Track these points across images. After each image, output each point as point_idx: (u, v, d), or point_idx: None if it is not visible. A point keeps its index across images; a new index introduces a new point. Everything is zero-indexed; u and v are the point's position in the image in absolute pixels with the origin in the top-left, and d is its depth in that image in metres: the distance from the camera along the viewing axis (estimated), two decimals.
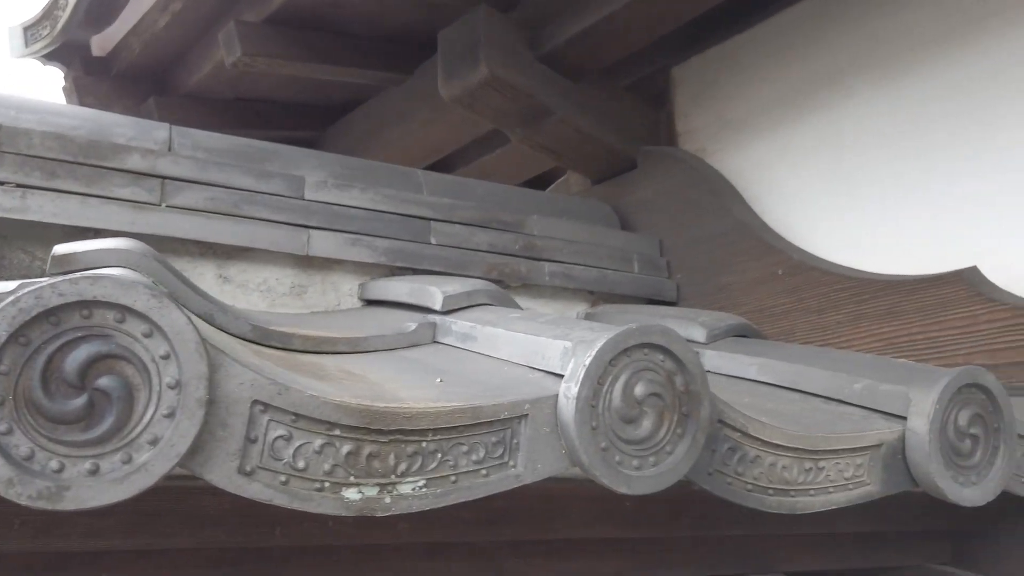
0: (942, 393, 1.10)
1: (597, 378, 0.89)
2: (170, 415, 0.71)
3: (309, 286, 1.80)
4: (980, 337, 1.61)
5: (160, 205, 1.64)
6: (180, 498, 0.93)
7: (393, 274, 1.86)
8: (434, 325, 1.39)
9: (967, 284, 1.65)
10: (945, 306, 1.67)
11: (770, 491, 1.03)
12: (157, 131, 1.75)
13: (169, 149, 1.74)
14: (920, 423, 1.10)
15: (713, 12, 2.18)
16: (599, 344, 0.90)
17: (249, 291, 1.74)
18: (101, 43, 2.87)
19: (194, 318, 0.76)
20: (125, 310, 0.70)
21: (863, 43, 2.04)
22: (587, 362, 0.89)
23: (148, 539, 0.93)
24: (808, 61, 2.15)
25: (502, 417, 0.88)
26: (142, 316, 0.71)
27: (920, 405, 1.11)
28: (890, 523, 1.47)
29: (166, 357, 0.71)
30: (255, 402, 0.76)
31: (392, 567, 1.09)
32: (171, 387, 0.71)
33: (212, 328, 0.98)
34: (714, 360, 1.55)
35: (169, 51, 2.80)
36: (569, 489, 1.11)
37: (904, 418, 1.13)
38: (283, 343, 1.25)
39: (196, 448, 0.73)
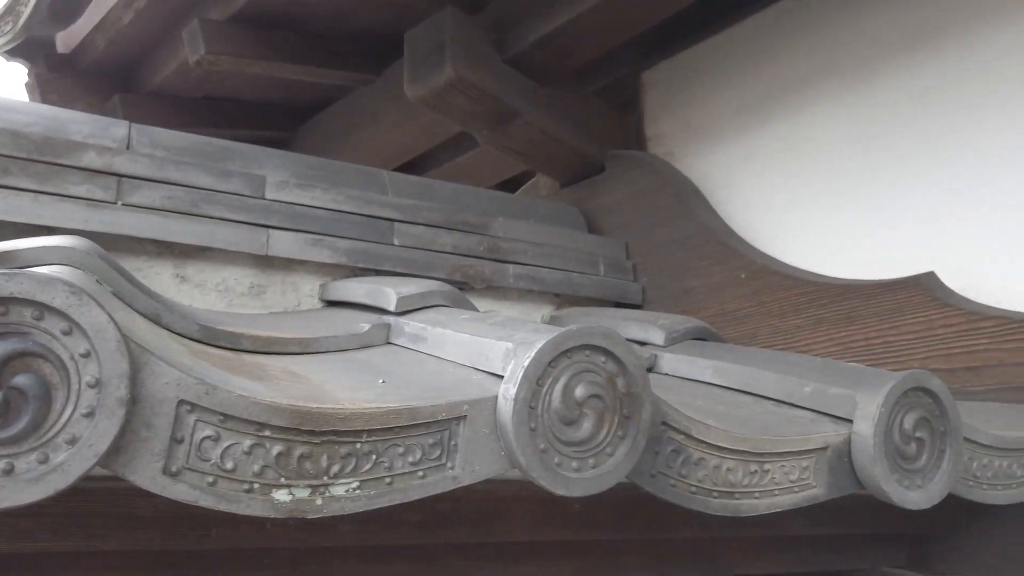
0: (887, 396, 1.10)
1: (536, 379, 0.89)
2: (89, 414, 0.70)
3: (268, 286, 1.79)
4: (935, 342, 1.63)
5: (116, 203, 1.61)
6: (112, 500, 0.91)
7: (355, 275, 1.84)
8: (388, 326, 1.38)
9: (924, 289, 1.66)
10: (902, 311, 1.68)
11: (714, 493, 1.03)
12: (116, 128, 1.73)
13: (128, 147, 1.71)
14: (865, 426, 1.10)
15: (682, 16, 2.19)
16: (538, 345, 0.89)
17: (207, 291, 1.72)
18: (66, 39, 2.84)
19: (118, 316, 0.74)
20: (43, 307, 0.69)
21: (829, 50, 2.05)
22: (526, 363, 0.88)
23: (80, 541, 0.92)
24: (775, 67, 2.16)
25: (440, 418, 0.87)
26: (61, 313, 0.69)
27: (866, 408, 1.11)
28: (845, 526, 1.47)
29: (86, 355, 0.70)
30: (181, 402, 0.75)
31: (333, 570, 1.08)
32: (91, 386, 0.70)
33: (148, 327, 0.96)
34: (672, 363, 1.55)
35: (134, 48, 2.77)
36: (515, 491, 1.10)
37: (851, 421, 1.13)
38: (231, 343, 1.23)
39: (118, 448, 0.71)
